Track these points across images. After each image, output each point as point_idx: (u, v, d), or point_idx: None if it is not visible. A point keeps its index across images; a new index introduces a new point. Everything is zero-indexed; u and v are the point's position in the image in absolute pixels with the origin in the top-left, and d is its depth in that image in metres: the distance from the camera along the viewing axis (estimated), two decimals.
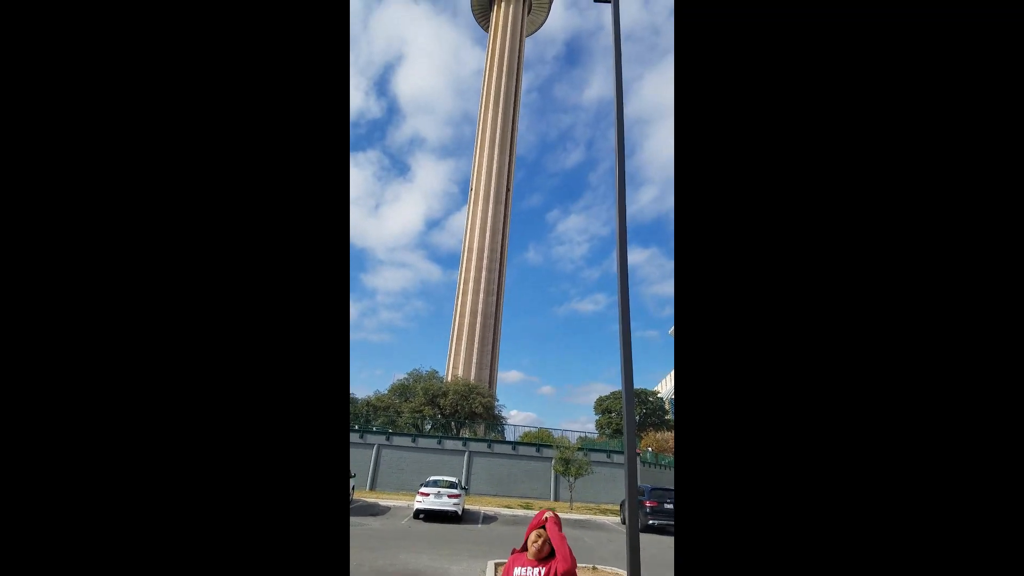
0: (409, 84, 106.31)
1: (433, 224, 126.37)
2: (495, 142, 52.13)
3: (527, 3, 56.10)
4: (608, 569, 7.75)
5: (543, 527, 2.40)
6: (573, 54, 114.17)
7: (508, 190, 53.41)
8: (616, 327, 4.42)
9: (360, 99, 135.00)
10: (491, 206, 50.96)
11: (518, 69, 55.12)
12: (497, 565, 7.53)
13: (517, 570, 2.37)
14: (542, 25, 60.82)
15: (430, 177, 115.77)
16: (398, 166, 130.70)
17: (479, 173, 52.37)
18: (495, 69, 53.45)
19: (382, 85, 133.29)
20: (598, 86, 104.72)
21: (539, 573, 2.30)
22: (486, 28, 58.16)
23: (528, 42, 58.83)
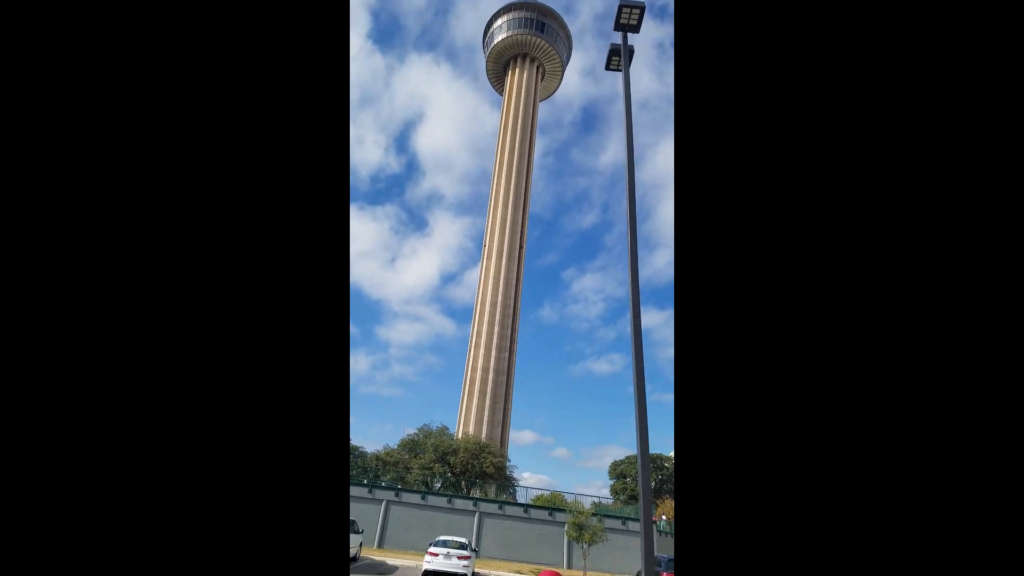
0: (428, 141, 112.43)
1: (449, 279, 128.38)
2: (509, 201, 53.91)
3: (541, 70, 60.01)
4: None
5: None
6: (589, 120, 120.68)
7: (521, 247, 54.56)
8: (631, 389, 4.50)
9: (380, 155, 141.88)
10: (504, 263, 51.84)
11: (531, 131, 58.04)
12: None
13: None
14: (555, 91, 64.71)
15: (447, 233, 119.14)
16: (416, 220, 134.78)
17: (492, 230, 53.77)
18: (509, 131, 56.31)
19: (402, 142, 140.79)
20: (613, 151, 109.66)
21: None
22: (501, 92, 61.96)
23: (545, 107, 62.43)
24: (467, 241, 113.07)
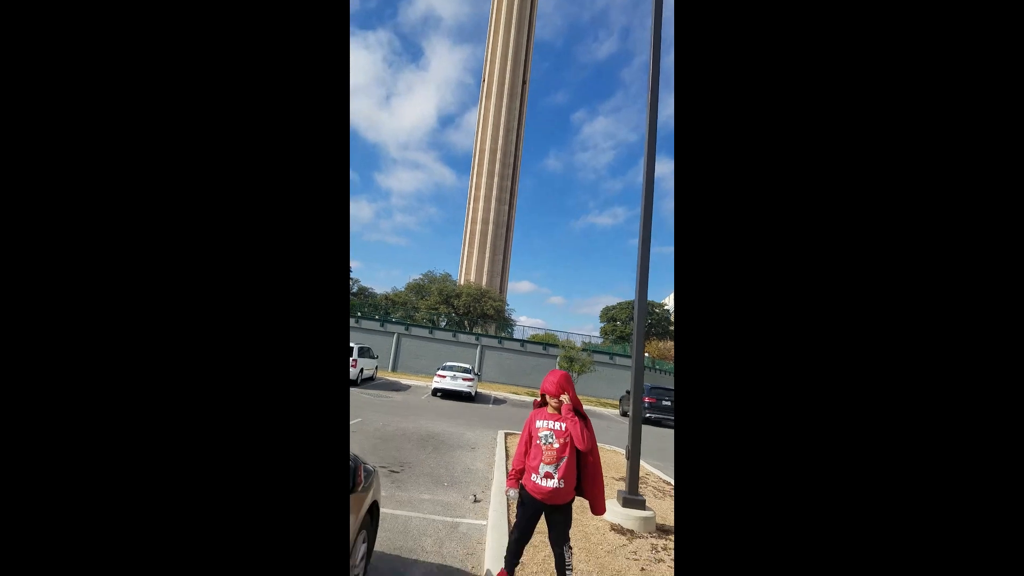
0: None
1: (447, 121, 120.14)
2: (511, 26, 47.49)
3: None
4: (609, 448, 8.90)
5: (563, 396, 2.56)
6: None
7: (524, 83, 49.89)
8: (634, 242, 4.61)
9: None
10: (505, 102, 48.02)
11: None
12: (507, 435, 8.58)
13: (540, 422, 2.57)
14: None
15: (444, 64, 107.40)
16: (410, 50, 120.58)
17: (492, 64, 48.48)
18: None
19: None
20: None
21: (562, 427, 2.51)
22: None
23: None
24: (467, 76, 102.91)
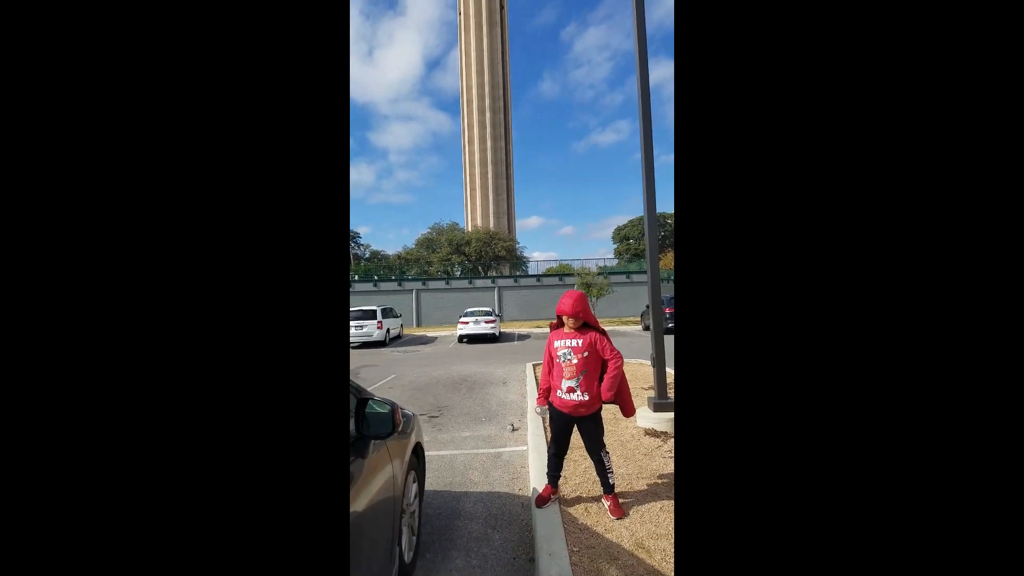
0: None
1: (433, 64, 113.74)
2: None
3: None
4: (635, 361, 9.11)
5: (574, 316, 2.58)
6: None
7: (502, 8, 46.51)
8: (638, 156, 4.43)
9: None
10: (485, 33, 45.05)
11: None
12: (535, 366, 8.86)
13: (557, 342, 2.62)
14: None
15: (422, 4, 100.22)
16: None
17: None
18: None
19: None
20: None
21: (579, 342, 2.56)
22: None
23: None
24: (448, 11, 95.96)
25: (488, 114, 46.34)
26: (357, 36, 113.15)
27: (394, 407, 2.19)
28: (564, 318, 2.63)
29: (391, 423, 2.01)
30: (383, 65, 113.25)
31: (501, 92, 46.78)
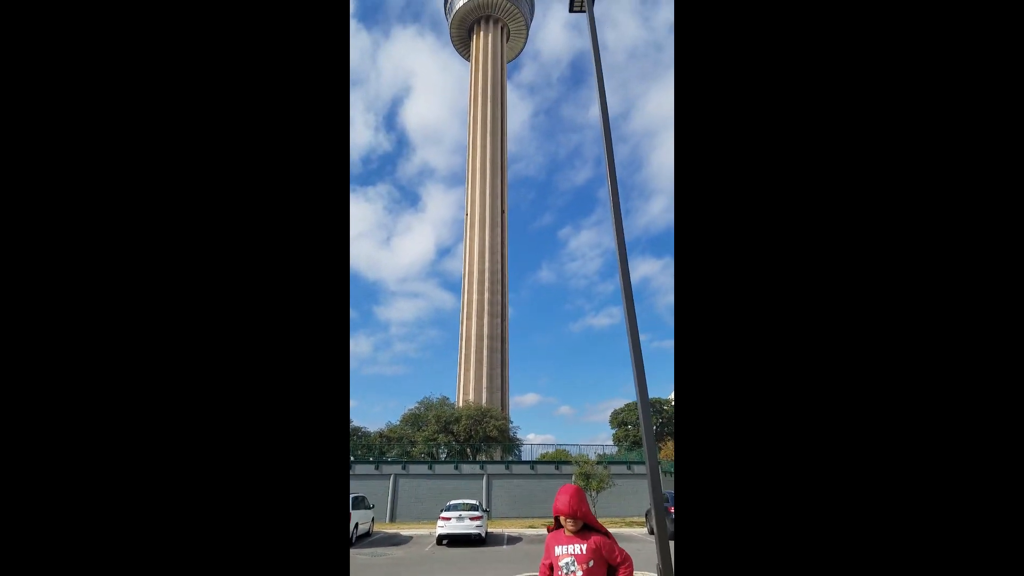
0: (417, 114, 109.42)
1: (444, 252, 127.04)
2: (486, 168, 53.08)
3: (505, 31, 57.99)
4: (639, 574, 7.63)
5: (573, 516, 2.31)
6: (578, 74, 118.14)
7: (503, 213, 54.08)
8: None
9: (370, 136, 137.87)
10: (488, 230, 51.49)
11: (502, 95, 56.55)
12: None
13: (559, 548, 2.31)
14: (521, 51, 62.82)
15: (440, 205, 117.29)
16: (409, 197, 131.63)
17: (473, 201, 53.18)
18: (480, 97, 54.86)
19: (391, 119, 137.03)
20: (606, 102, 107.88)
21: (582, 549, 2.24)
22: (467, 57, 59.95)
23: (533, 66, 60.64)
24: (460, 212, 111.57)
25: (487, 293, 49.63)
26: (378, 226, 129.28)
27: None
28: (562, 519, 2.31)
29: None
30: (398, 250, 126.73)
31: (499, 278, 51.02)
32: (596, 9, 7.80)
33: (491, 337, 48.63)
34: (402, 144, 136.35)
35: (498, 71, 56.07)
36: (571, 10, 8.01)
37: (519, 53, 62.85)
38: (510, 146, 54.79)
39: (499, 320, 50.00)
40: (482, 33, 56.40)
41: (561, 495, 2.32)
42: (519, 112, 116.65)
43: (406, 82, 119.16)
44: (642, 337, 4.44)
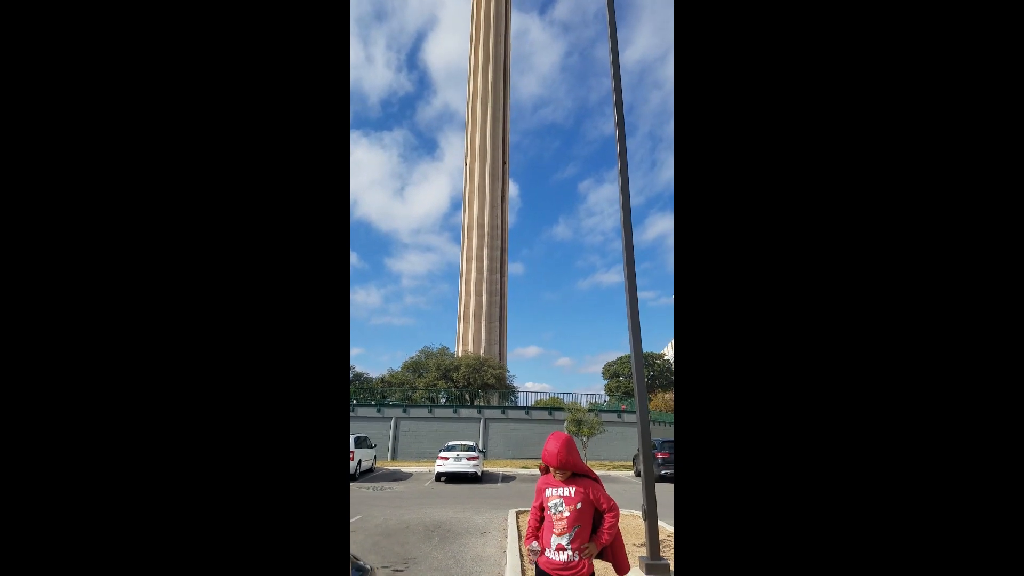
0: (440, 52, 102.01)
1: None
2: (487, 116, 51.16)
3: None
4: (626, 512, 8.28)
5: (561, 469, 2.42)
6: (618, 9, 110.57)
7: (504, 163, 52.81)
8: (640, 294, 4.63)
9: (391, 76, 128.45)
10: (488, 182, 50.46)
11: (506, 30, 53.63)
12: (519, 514, 7.99)
13: (549, 491, 2.44)
14: None
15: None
16: (426, 144, 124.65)
17: (472, 151, 51.65)
18: (482, 33, 52.04)
19: (413, 57, 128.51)
20: (642, 45, 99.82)
21: (571, 492, 2.39)
22: None
23: (569, 1, 56.51)
24: None
25: (486, 250, 49.44)
26: (392, 175, 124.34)
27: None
28: (552, 469, 2.44)
29: None
30: (412, 201, 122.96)
31: (499, 233, 50.60)
32: None
33: (490, 292, 48.92)
34: (423, 85, 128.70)
35: (502, 3, 52.92)
36: None
37: None
38: (538, 90, 52.13)
39: (498, 276, 50.06)
40: None
41: (550, 443, 2.46)
42: (549, 53, 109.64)
43: (432, 12, 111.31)
44: (650, 294, 4.67)
